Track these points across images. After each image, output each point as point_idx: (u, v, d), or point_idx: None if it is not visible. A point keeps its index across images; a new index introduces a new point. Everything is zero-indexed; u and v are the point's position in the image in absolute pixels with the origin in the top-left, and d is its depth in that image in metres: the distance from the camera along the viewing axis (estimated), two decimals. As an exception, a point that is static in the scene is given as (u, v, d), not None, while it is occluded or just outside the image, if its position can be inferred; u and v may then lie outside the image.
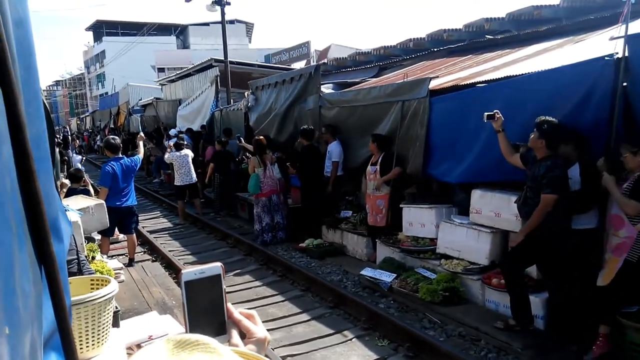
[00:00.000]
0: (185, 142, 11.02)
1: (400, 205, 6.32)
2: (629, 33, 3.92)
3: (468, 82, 5.68)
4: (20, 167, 0.68)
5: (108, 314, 2.35)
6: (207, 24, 44.55)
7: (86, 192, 6.37)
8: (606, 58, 4.05)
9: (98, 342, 2.28)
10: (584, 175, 4.05)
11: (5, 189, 0.59)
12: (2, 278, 0.51)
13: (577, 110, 4.24)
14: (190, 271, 0.77)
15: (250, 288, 6.09)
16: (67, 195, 5.95)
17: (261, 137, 8.33)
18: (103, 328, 2.31)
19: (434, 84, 6.05)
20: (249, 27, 51.57)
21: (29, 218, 0.70)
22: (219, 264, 0.79)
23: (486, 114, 4.42)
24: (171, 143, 10.89)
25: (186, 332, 0.72)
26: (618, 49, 4.01)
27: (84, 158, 18.19)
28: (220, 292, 0.79)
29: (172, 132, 14.58)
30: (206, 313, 0.77)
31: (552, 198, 3.88)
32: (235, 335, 0.79)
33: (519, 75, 4.99)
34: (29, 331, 0.60)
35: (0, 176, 0.58)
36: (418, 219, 6.04)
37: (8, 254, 0.56)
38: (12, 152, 0.65)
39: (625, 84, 3.95)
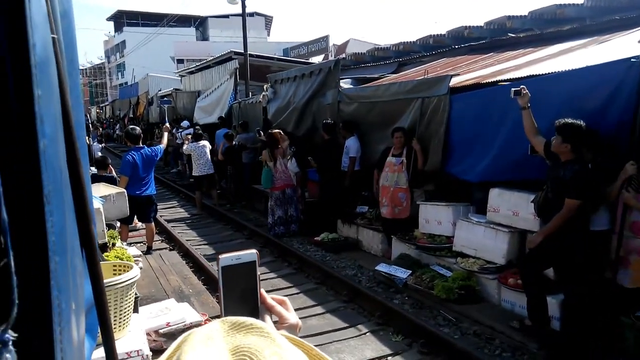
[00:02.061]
0: (205, 134, 11.08)
1: (418, 202, 6.31)
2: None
3: (489, 80, 5.62)
4: (69, 156, 0.71)
5: (130, 298, 2.41)
6: (226, 16, 44.69)
7: (111, 179, 6.45)
8: (632, 60, 3.98)
9: (121, 325, 2.34)
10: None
11: (66, 175, 0.62)
12: (70, 256, 0.54)
13: (599, 112, 4.18)
14: (228, 256, 0.79)
15: (266, 280, 6.14)
16: (92, 182, 6.05)
17: (275, 131, 8.34)
18: (126, 312, 2.37)
19: (454, 82, 6.00)
20: (268, 20, 51.67)
21: (75, 203, 0.73)
22: (254, 251, 0.81)
23: (513, 89, 4.30)
24: (186, 134, 10.97)
25: (221, 315, 0.74)
26: None
27: (104, 146, 18.46)
28: (255, 278, 0.81)
29: (185, 123, 14.69)
30: (240, 298, 0.80)
31: (577, 204, 3.85)
32: (268, 320, 0.81)
33: (542, 74, 4.93)
34: (83, 309, 0.64)
35: (63, 162, 0.61)
36: (435, 217, 6.03)
37: (72, 233, 0.60)
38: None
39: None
